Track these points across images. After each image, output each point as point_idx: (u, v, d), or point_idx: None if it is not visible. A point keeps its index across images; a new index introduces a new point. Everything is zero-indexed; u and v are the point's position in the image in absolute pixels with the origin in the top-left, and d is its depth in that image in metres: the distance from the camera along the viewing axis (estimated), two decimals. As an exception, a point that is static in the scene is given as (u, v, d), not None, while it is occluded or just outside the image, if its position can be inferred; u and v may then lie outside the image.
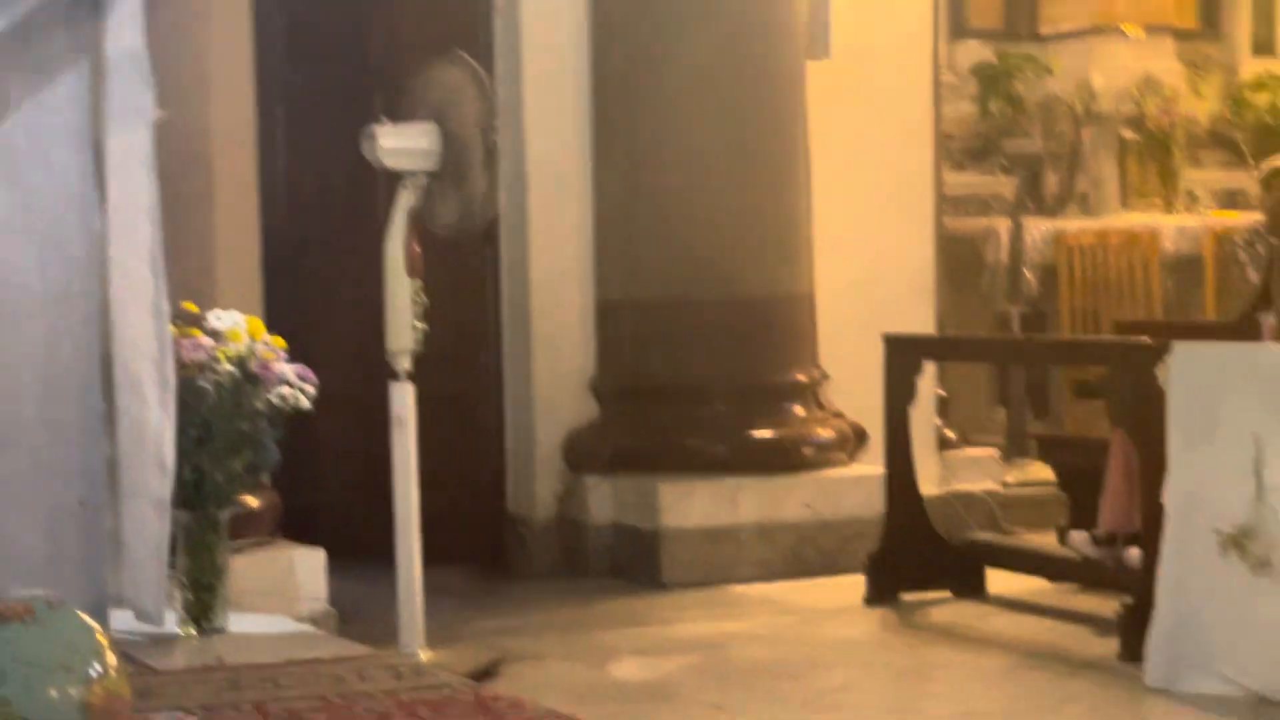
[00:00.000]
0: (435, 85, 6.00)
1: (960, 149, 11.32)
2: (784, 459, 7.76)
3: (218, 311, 5.56)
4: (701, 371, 7.78)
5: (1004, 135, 10.98)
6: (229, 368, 5.39)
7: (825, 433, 7.89)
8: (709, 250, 7.79)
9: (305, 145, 8.37)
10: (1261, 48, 12.03)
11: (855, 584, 7.15)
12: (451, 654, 5.95)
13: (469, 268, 8.02)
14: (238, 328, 5.48)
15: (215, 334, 5.45)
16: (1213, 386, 5.48)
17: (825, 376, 8.07)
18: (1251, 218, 10.19)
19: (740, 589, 7.40)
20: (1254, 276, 8.93)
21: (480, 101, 5.91)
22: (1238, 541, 5.32)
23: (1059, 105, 10.57)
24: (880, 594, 7.06)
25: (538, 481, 7.94)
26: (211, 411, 5.33)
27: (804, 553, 7.66)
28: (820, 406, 8.03)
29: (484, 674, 5.77)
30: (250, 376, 5.41)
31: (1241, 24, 12.04)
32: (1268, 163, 9.83)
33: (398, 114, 6.08)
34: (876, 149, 8.39)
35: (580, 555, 7.79)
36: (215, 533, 5.47)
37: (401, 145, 5.95)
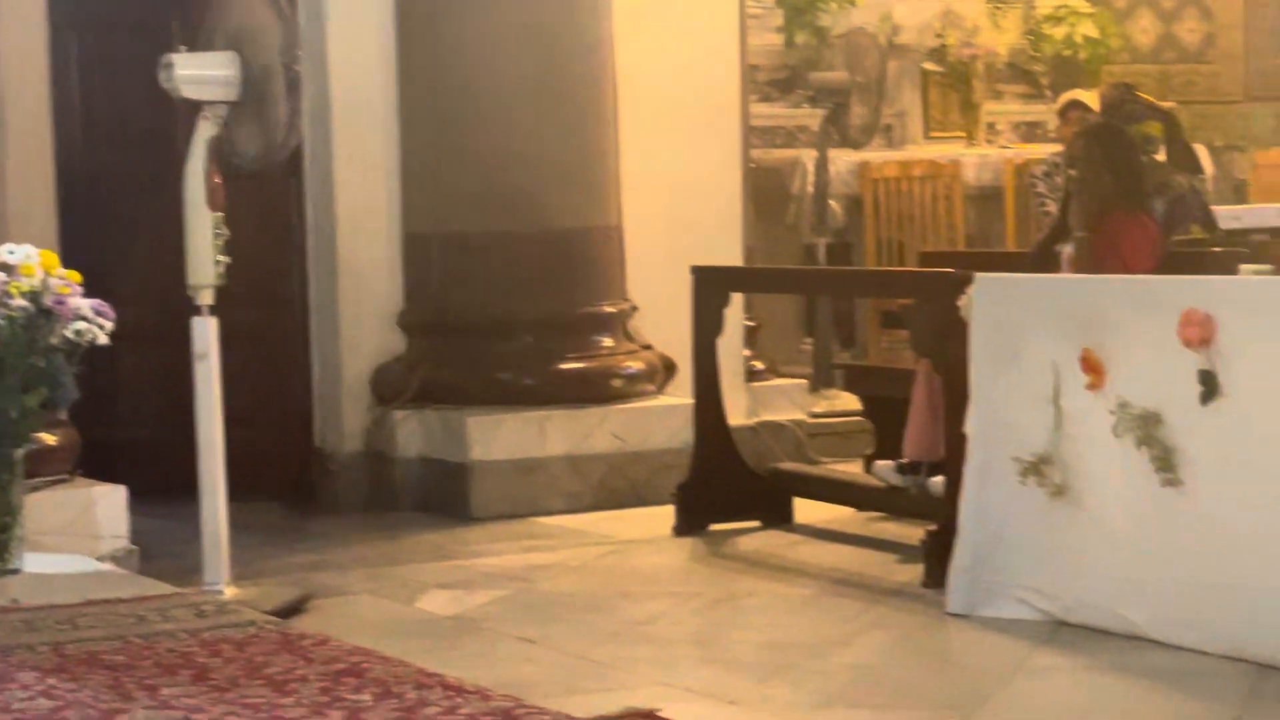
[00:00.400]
0: (235, 12, 5.89)
1: (767, 81, 11.35)
2: (592, 391, 7.76)
3: (9, 245, 5.44)
4: (509, 304, 7.75)
5: (809, 67, 11.03)
6: (22, 302, 5.28)
7: (634, 364, 7.91)
8: (516, 183, 7.75)
9: (102, 73, 8.18)
10: (1059, -18, 12.20)
11: (664, 515, 7.18)
12: (257, 591, 5.90)
13: (272, 200, 7.91)
14: (30, 261, 5.37)
15: (7, 268, 5.33)
16: (1013, 317, 5.56)
17: (634, 308, 8.08)
18: (1050, 150, 10.33)
19: (549, 521, 7.40)
20: (1052, 208, 9.05)
21: (281, 30, 5.81)
22: (1037, 468, 5.41)
23: (863, 38, 10.62)
24: (689, 524, 7.10)
25: (345, 416, 7.88)
26: (4, 347, 5.21)
27: (613, 484, 7.68)
28: (629, 338, 8.03)
29: (291, 611, 5.72)
30: (44, 311, 5.30)
31: (1037, -42, 12.19)
32: (1064, 96, 9.98)
33: (196, 42, 5.97)
34: (683, 81, 8.37)
35: (388, 490, 7.75)
36: (9, 471, 5.37)
37: (200, 74, 5.84)
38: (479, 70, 7.75)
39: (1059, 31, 11.85)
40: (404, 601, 6.07)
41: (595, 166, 7.90)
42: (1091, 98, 9.53)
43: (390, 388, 7.84)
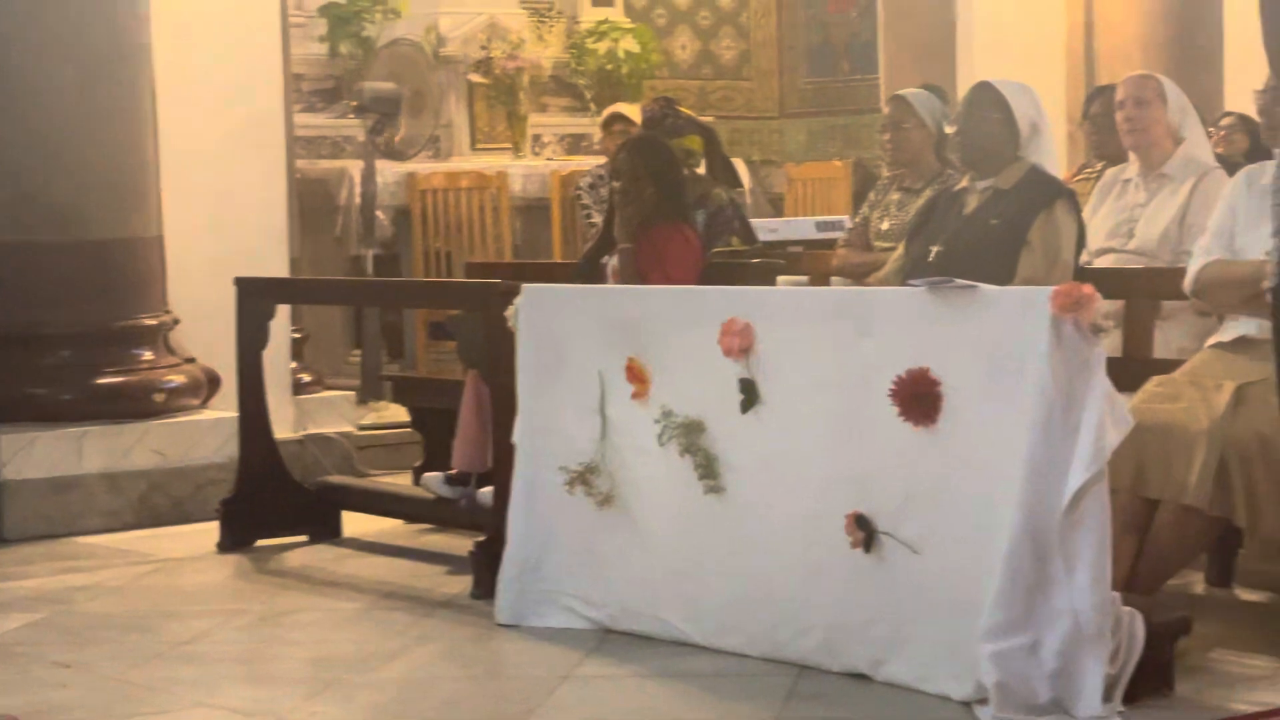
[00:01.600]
0: None
1: (311, 90, 11.26)
2: (133, 405, 7.57)
3: None
4: (44, 317, 7.50)
5: (355, 77, 10.97)
6: None
7: (176, 378, 7.74)
8: (52, 192, 7.50)
9: None
10: (600, -2, 12.41)
11: (209, 531, 7.04)
12: None
13: None
14: None
15: None
16: (560, 327, 5.61)
17: (176, 321, 7.91)
18: (594, 162, 10.49)
19: (89, 540, 7.18)
20: (598, 219, 9.19)
21: None
22: (584, 478, 5.47)
23: (408, 48, 10.61)
24: (234, 540, 6.98)
25: None
26: None
27: (155, 501, 7.51)
28: (171, 351, 7.86)
29: None
30: None
31: (583, -27, 12.38)
32: (607, 109, 10.15)
33: None
34: (226, 90, 8.24)
35: (-84, 512, 7.41)
36: None
37: None
38: (12, 77, 7.48)
39: (601, 46, 12.05)
40: (-68, 629, 5.81)
41: (135, 176, 7.70)
42: (634, 111, 9.73)
43: (-84, 405, 7.51)
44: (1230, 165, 6.30)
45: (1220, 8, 9.18)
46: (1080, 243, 5.88)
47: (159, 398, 7.66)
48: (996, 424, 4.60)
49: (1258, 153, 6.94)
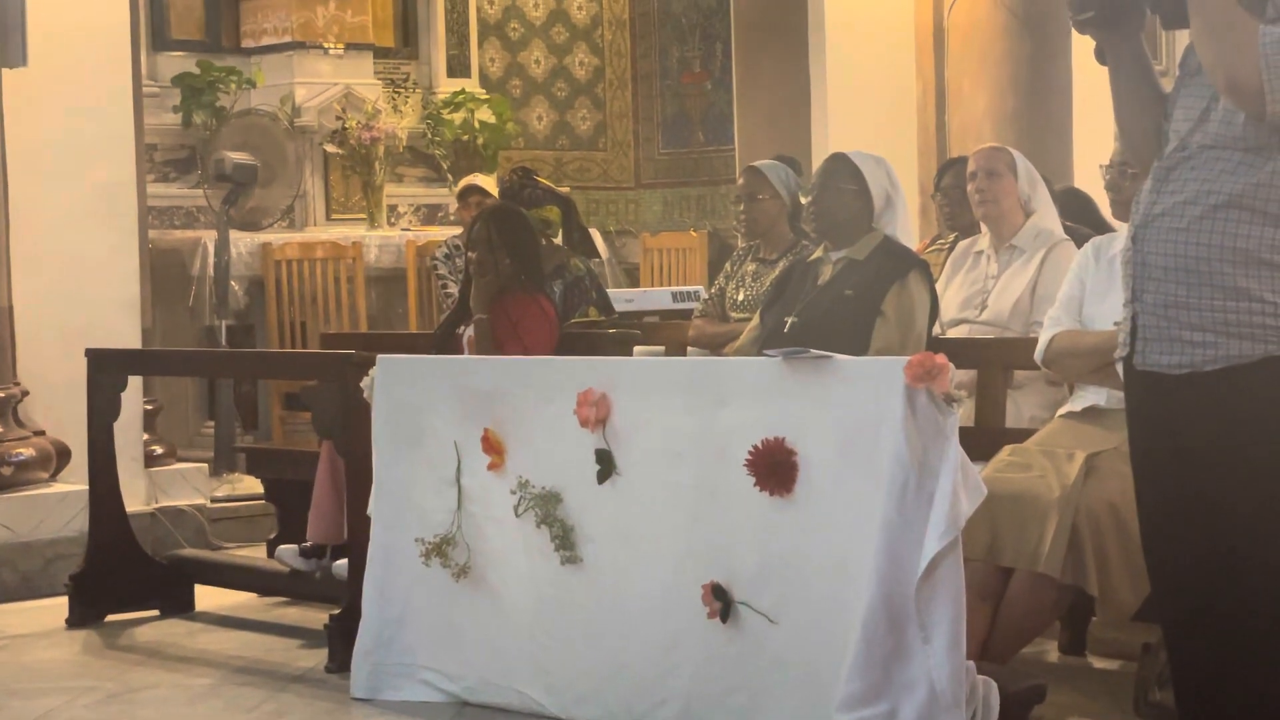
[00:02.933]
0: None
1: (165, 160, 11.17)
2: (-20, 479, 7.45)
3: None
4: (-111, 390, 7.37)
5: (208, 147, 10.90)
6: None
7: (24, 450, 7.62)
8: (-104, 261, 7.39)
9: None
10: (456, 69, 12.43)
11: (58, 606, 6.93)
12: None
13: None
14: None
15: None
16: (415, 398, 5.59)
17: (25, 393, 7.79)
18: (450, 232, 10.48)
19: (-66, 618, 7.05)
20: (454, 290, 9.18)
21: None
22: (440, 549, 5.44)
23: (263, 118, 10.57)
24: (84, 616, 6.87)
25: None
26: None
27: (3, 576, 7.39)
28: (20, 424, 7.75)
29: None
30: None
31: (438, 45, 12.41)
32: (463, 180, 10.16)
33: None
34: (77, 159, 8.16)
35: None
36: None
37: None
38: None
39: (457, 117, 12.06)
40: None
41: (-17, 245, 7.60)
42: (490, 182, 9.75)
43: None
44: (1079, 236, 6.39)
45: (1070, 80, 9.34)
46: (933, 313, 5.95)
47: (7, 471, 7.54)
48: (852, 493, 4.63)
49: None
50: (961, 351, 5.64)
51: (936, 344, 5.83)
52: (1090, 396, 5.40)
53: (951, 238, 7.20)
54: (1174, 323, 3.66)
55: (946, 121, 9.76)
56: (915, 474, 4.52)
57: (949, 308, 6.42)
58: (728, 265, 7.32)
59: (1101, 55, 3.88)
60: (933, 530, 4.49)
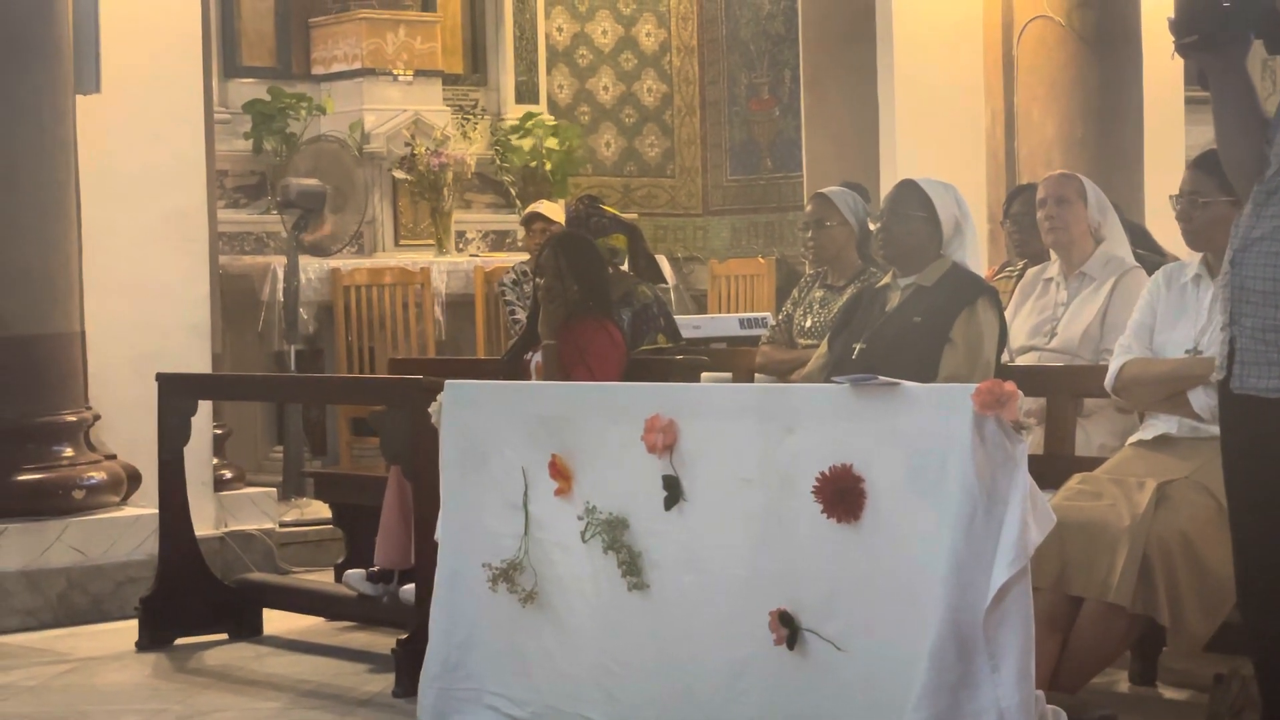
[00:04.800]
0: None
1: (235, 186, 11.25)
2: (52, 502, 7.50)
3: None
4: (-38, 413, 7.43)
5: (278, 173, 10.98)
6: None
7: (96, 474, 7.67)
8: (-30, 287, 7.46)
9: None
10: (525, 95, 12.48)
11: (129, 630, 6.97)
12: None
13: None
14: None
15: None
16: (483, 424, 5.59)
17: (97, 417, 7.85)
18: (518, 259, 10.51)
19: (5, 640, 7.09)
20: (522, 316, 9.20)
21: None
22: (507, 575, 5.44)
23: (332, 145, 10.63)
24: (154, 639, 6.90)
25: None
26: None
27: (74, 599, 7.43)
28: (91, 448, 7.80)
29: None
30: None
31: (507, 72, 12.46)
32: (530, 206, 10.19)
33: None
34: (149, 185, 8.23)
35: None
36: None
37: None
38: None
39: (526, 143, 12.10)
40: None
41: (56, 271, 7.66)
42: (554, 210, 9.77)
43: None
44: (1149, 264, 6.36)
45: (1141, 108, 9.29)
46: (1002, 341, 5.92)
47: (79, 495, 7.59)
48: (920, 521, 4.61)
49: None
50: (1031, 379, 5.61)
51: (1005, 371, 5.80)
52: (1161, 425, 5.37)
53: (1021, 265, 7.17)
54: (1272, 346, 3.62)
55: (1016, 148, 9.72)
56: (984, 502, 4.50)
57: (1018, 335, 6.39)
58: (795, 292, 7.31)
59: (1203, 79, 3.86)
60: (1001, 558, 4.47)
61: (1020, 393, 4.51)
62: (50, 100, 7.64)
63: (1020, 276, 6.86)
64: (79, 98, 7.85)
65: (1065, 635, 5.04)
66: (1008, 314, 6.24)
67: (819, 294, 7.12)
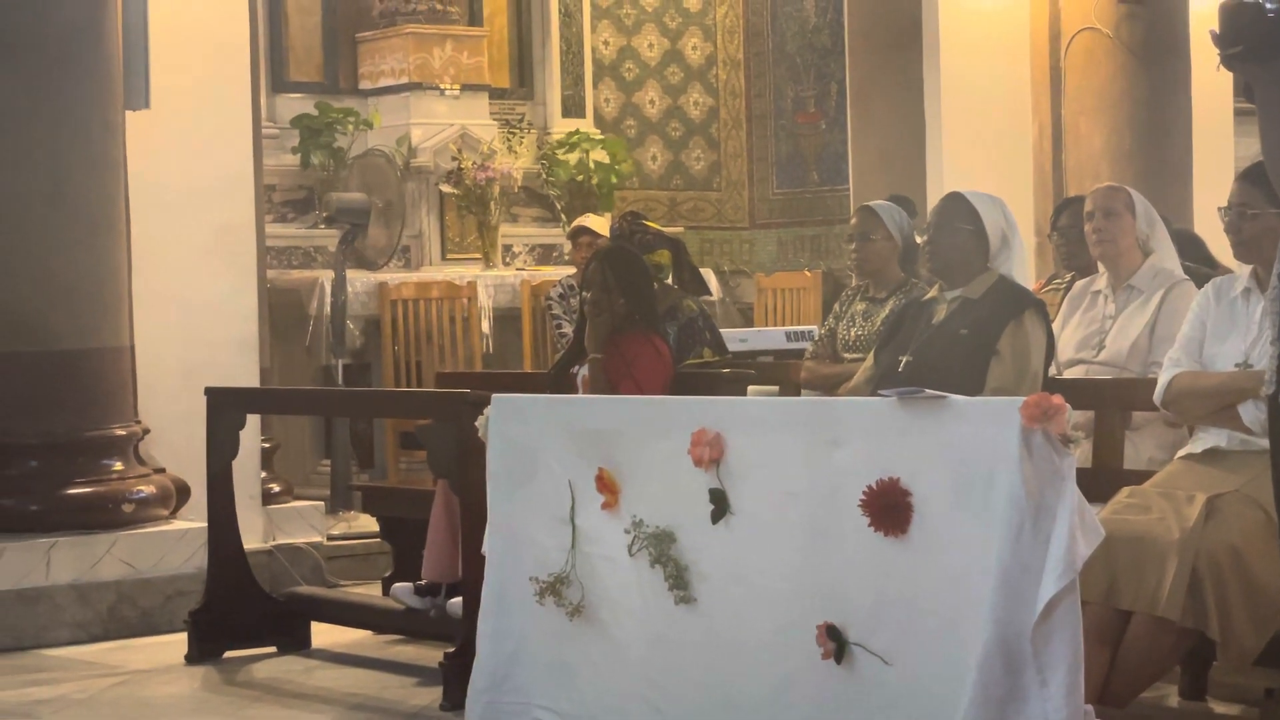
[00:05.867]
0: None
1: (283, 201, 11.30)
2: (101, 516, 7.53)
3: None
4: (13, 427, 7.47)
5: (326, 188, 11.02)
6: None
7: (145, 488, 7.71)
8: (21, 302, 7.50)
9: None
10: (571, 109, 12.50)
11: (178, 643, 6.99)
12: None
13: None
14: None
15: None
16: (530, 437, 5.60)
17: (146, 431, 7.88)
18: (565, 272, 10.52)
19: (55, 653, 7.13)
20: (568, 329, 9.21)
21: None
22: (554, 588, 5.44)
23: (379, 159, 10.66)
24: (203, 652, 6.93)
25: None
26: None
27: (123, 612, 7.46)
28: (141, 461, 7.83)
29: None
30: None
31: (554, 86, 12.48)
32: (576, 220, 10.20)
33: None
34: (198, 200, 8.27)
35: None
36: None
37: None
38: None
39: (572, 157, 12.11)
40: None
41: (106, 285, 7.70)
42: (600, 223, 9.78)
43: (-117, 515, 7.46)
44: (1198, 277, 6.33)
45: (1189, 120, 9.27)
46: (1050, 353, 5.91)
47: (128, 508, 7.62)
48: (968, 534, 4.60)
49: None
50: (1078, 392, 5.59)
51: (1053, 384, 5.79)
52: (1211, 438, 5.34)
53: (1069, 277, 7.15)
54: (1322, 360, 3.59)
55: (1063, 160, 9.70)
56: (1032, 515, 4.48)
57: (1066, 348, 6.37)
58: (837, 306, 7.31)
59: (1249, 91, 3.83)
60: (1050, 572, 4.46)
61: (1068, 406, 4.50)
62: (100, 116, 7.68)
63: (1068, 289, 6.84)
64: (128, 113, 7.89)
65: (1114, 649, 5.02)
66: (1055, 327, 6.22)
67: (861, 307, 7.11)
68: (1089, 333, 6.42)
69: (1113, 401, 5.94)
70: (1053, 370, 6.00)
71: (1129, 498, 5.24)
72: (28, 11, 7.52)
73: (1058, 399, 4.49)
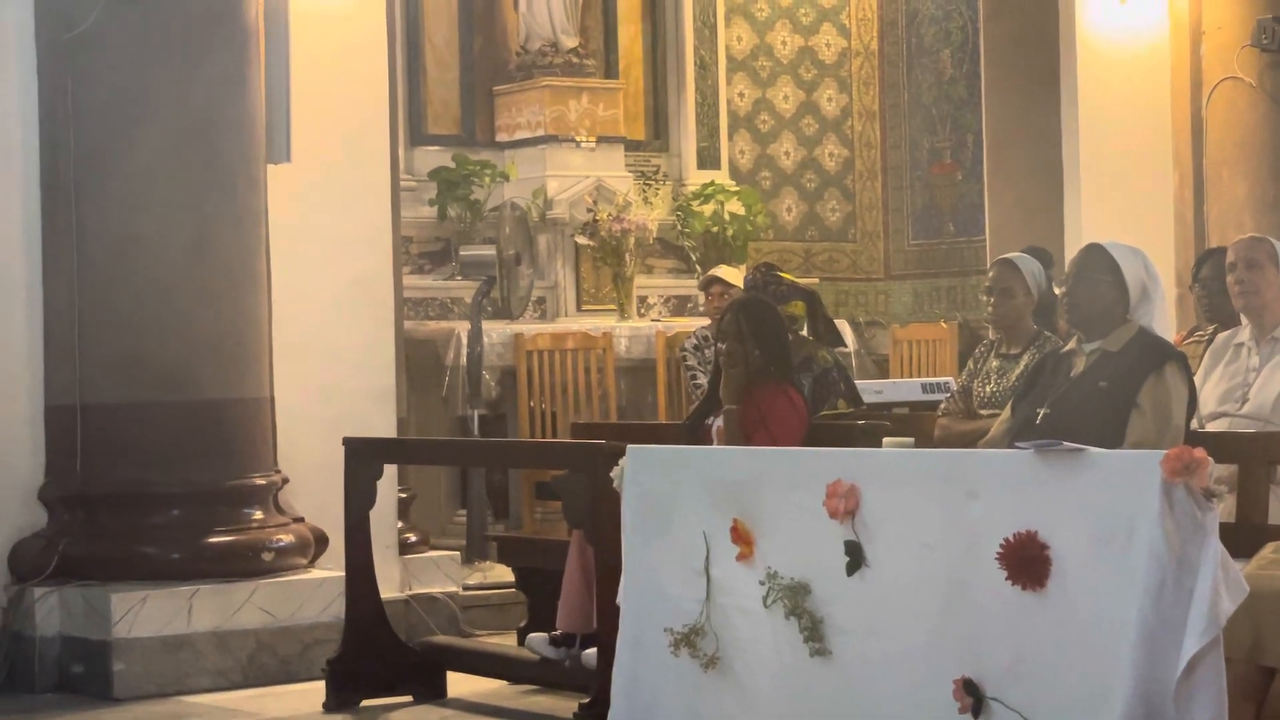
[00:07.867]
0: None
1: (420, 252, 11.39)
2: (241, 564, 7.60)
3: None
4: (155, 476, 7.57)
5: (463, 239, 11.10)
6: None
7: (284, 537, 7.78)
8: (165, 353, 7.61)
9: None
10: (706, 161, 12.53)
11: (315, 691, 7.04)
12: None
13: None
14: None
15: None
16: (664, 488, 5.60)
17: (285, 480, 7.96)
18: (699, 323, 10.53)
19: (196, 699, 7.20)
20: (703, 380, 9.21)
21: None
22: (689, 640, 5.43)
23: (515, 211, 10.74)
24: (340, 700, 6.97)
25: (-21, 594, 7.58)
26: None
27: (262, 660, 7.52)
28: (279, 510, 7.91)
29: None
30: None
31: (689, 138, 12.52)
32: (710, 271, 10.21)
33: None
34: (336, 251, 8.35)
35: (26, 670, 7.45)
36: None
37: None
38: (127, 237, 7.61)
39: (707, 208, 12.14)
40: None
41: (247, 336, 7.80)
42: (733, 274, 9.79)
43: (28, 564, 7.58)
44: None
45: (1332, 168, 9.15)
46: (1191, 406, 5.83)
47: (268, 557, 7.69)
48: (1107, 589, 4.54)
49: None
50: (1221, 445, 5.51)
51: (1195, 438, 5.71)
52: (1356, 492, 5.26)
53: (1211, 329, 7.06)
54: None
55: (1205, 211, 9.60)
56: (1173, 571, 4.42)
57: (1208, 401, 6.29)
58: (970, 363, 7.25)
59: None
60: (1192, 628, 4.39)
61: (1210, 459, 4.44)
62: (244, 170, 7.80)
63: (1210, 341, 6.75)
64: (270, 167, 8.00)
65: (1259, 706, 4.94)
66: (1198, 379, 6.15)
67: (995, 363, 7.05)
68: (1232, 385, 6.33)
69: (1257, 455, 5.85)
70: (1194, 424, 5.92)
71: (1274, 553, 5.16)
72: (173, 68, 7.64)
73: (1199, 452, 4.43)
